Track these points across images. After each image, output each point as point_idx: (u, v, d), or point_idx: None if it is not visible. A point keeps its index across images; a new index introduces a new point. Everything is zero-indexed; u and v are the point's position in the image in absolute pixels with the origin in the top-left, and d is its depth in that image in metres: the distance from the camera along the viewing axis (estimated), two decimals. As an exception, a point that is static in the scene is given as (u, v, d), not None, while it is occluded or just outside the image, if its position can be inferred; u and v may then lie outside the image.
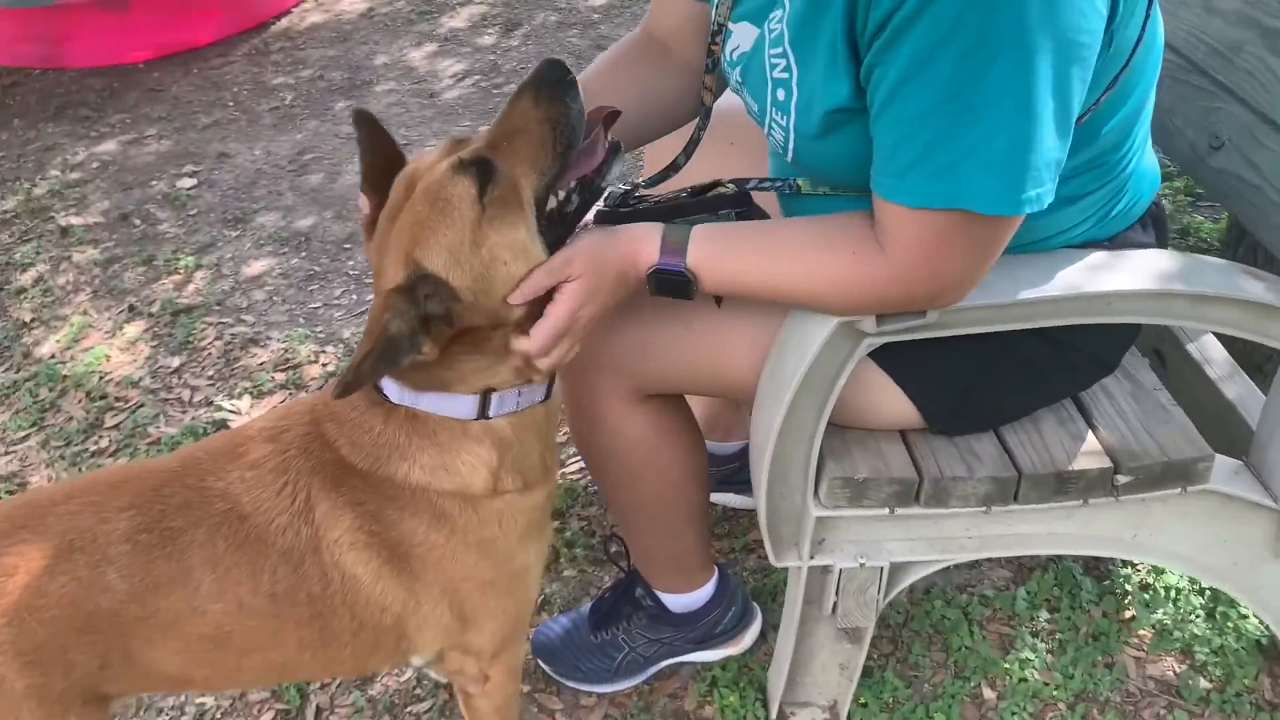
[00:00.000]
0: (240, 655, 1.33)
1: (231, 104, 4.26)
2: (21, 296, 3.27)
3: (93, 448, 2.66)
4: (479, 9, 4.77)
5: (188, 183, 3.77)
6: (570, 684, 1.87)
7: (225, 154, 3.92)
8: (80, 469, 2.58)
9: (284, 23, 4.86)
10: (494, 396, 1.30)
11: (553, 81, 1.22)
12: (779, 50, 1.24)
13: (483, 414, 1.30)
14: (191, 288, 3.23)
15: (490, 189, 1.19)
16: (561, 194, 1.25)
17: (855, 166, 1.20)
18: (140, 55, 4.62)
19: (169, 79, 4.51)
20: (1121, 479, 1.44)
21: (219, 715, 1.95)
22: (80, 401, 2.82)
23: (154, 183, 3.80)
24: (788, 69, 1.23)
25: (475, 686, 1.51)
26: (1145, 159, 1.37)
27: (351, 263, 3.26)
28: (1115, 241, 1.36)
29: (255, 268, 3.28)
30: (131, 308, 3.16)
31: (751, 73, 1.32)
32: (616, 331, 1.45)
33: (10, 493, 2.55)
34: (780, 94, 1.26)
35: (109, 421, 2.75)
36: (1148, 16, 1.19)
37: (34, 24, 4.48)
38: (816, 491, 1.46)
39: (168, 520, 1.28)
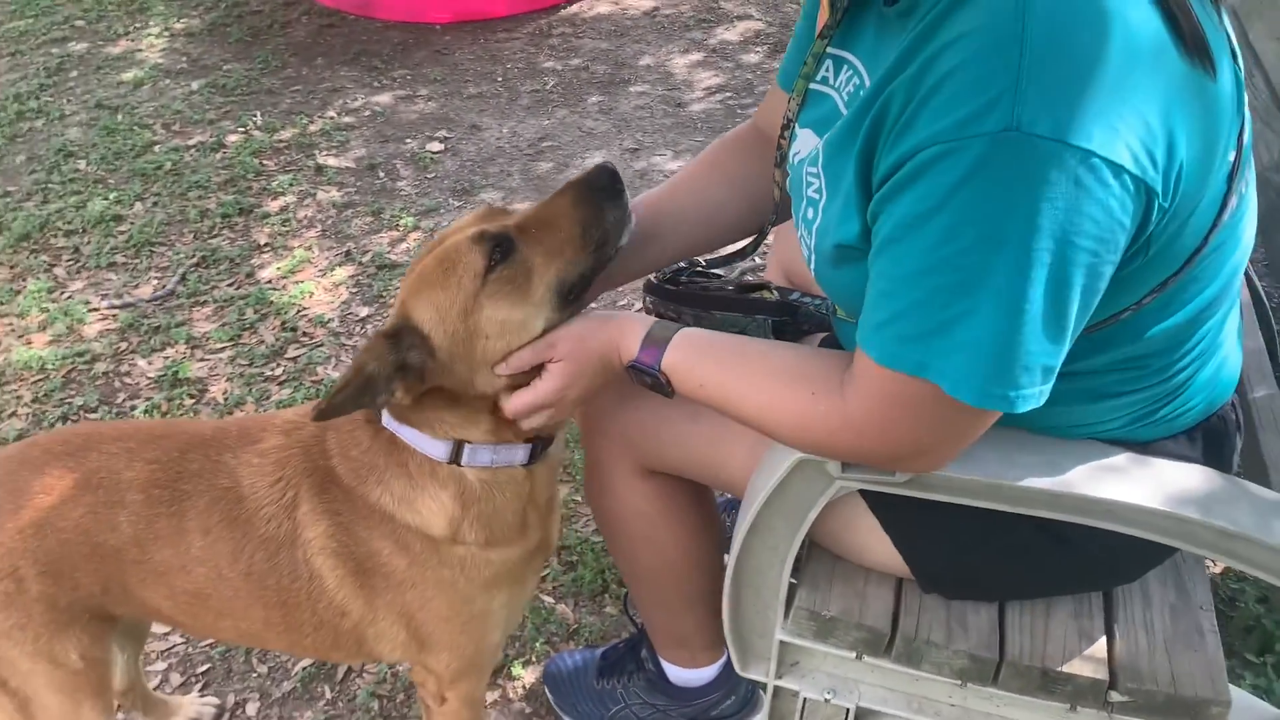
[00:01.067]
0: (216, 616, 1.47)
1: (500, 79, 4.52)
2: (265, 220, 3.65)
3: (268, 373, 2.95)
4: (755, 25, 4.79)
5: (436, 147, 4.05)
6: (565, 718, 1.91)
7: (477, 126, 4.18)
8: (251, 389, 2.87)
9: (574, 8, 5.08)
10: (466, 448, 1.35)
11: (597, 188, 1.28)
12: (815, 170, 1.21)
13: (454, 460, 1.35)
14: (403, 246, 3.48)
15: (501, 268, 1.25)
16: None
17: (861, 302, 1.16)
18: (440, 17, 4.97)
19: (455, 44, 4.83)
20: (1116, 696, 1.31)
21: (262, 651, 2.15)
22: (274, 329, 3.12)
23: (408, 140, 4.10)
24: (819, 190, 1.20)
25: (434, 703, 1.58)
26: (1211, 368, 1.23)
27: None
28: (1150, 449, 1.23)
29: (462, 239, 3.49)
30: (348, 253, 3.45)
31: (794, 183, 1.29)
32: (631, 405, 1.47)
33: (192, 397, 2.88)
34: (809, 213, 1.23)
35: (290, 353, 3.03)
36: (1215, 225, 1.06)
37: (356, -25, 4.93)
38: (787, 615, 1.42)
39: (181, 482, 1.43)
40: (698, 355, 1.23)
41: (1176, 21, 0.97)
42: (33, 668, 1.42)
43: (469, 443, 1.35)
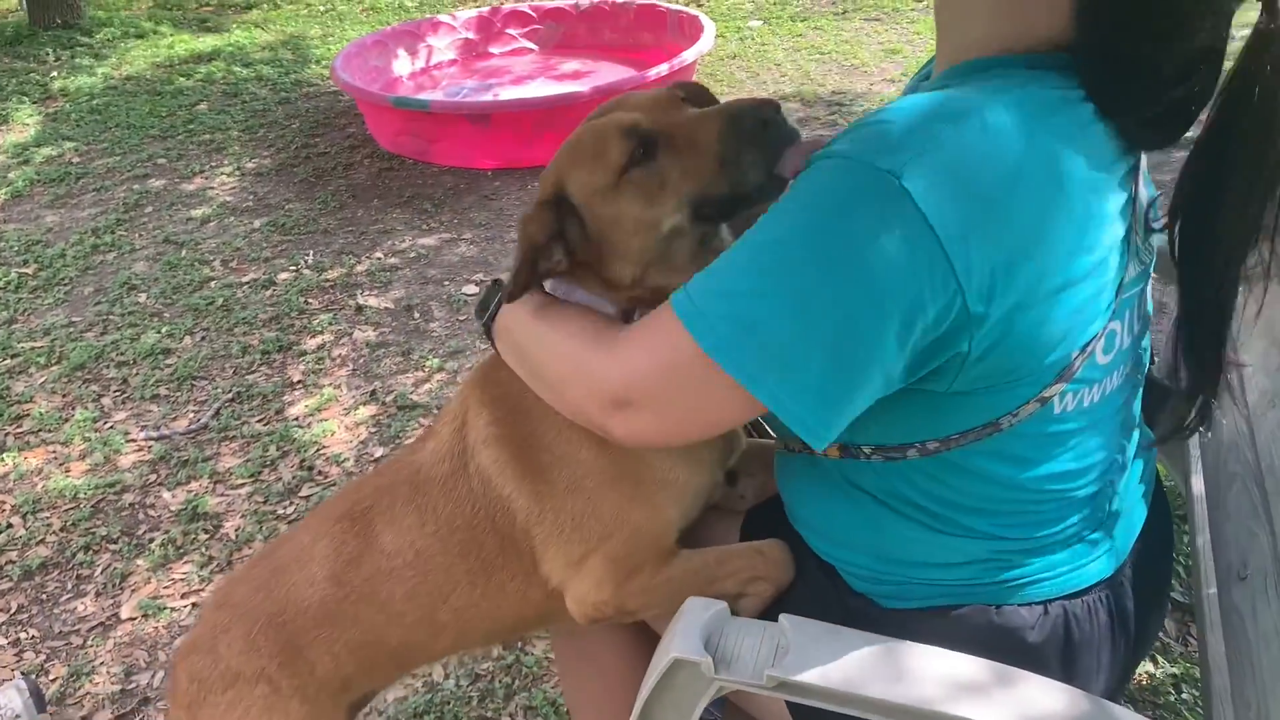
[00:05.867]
0: (433, 610, 1.48)
1: (539, 224, 4.72)
2: (302, 358, 3.83)
3: (280, 511, 3.07)
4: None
5: (471, 289, 4.23)
6: None
7: (512, 270, 4.35)
8: (262, 527, 2.99)
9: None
10: (638, 310, 1.34)
11: (742, 129, 1.24)
12: None
13: (627, 319, 1.34)
14: (426, 387, 3.62)
15: (636, 169, 1.26)
16: None
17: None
18: (490, 164, 5.23)
19: (504, 190, 5.07)
20: None
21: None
22: (293, 466, 3.26)
23: (446, 283, 4.29)
24: None
25: (595, 612, 1.42)
26: (1080, 547, 1.27)
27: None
28: (1004, 615, 1.26)
29: (483, 382, 3.62)
30: (373, 393, 3.60)
31: None
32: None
33: (206, 532, 3.01)
34: None
35: (304, 491, 3.15)
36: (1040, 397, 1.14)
37: (414, 122, 5.23)
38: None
39: (367, 516, 1.51)
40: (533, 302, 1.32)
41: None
42: None
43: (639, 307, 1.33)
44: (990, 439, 1.17)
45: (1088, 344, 1.13)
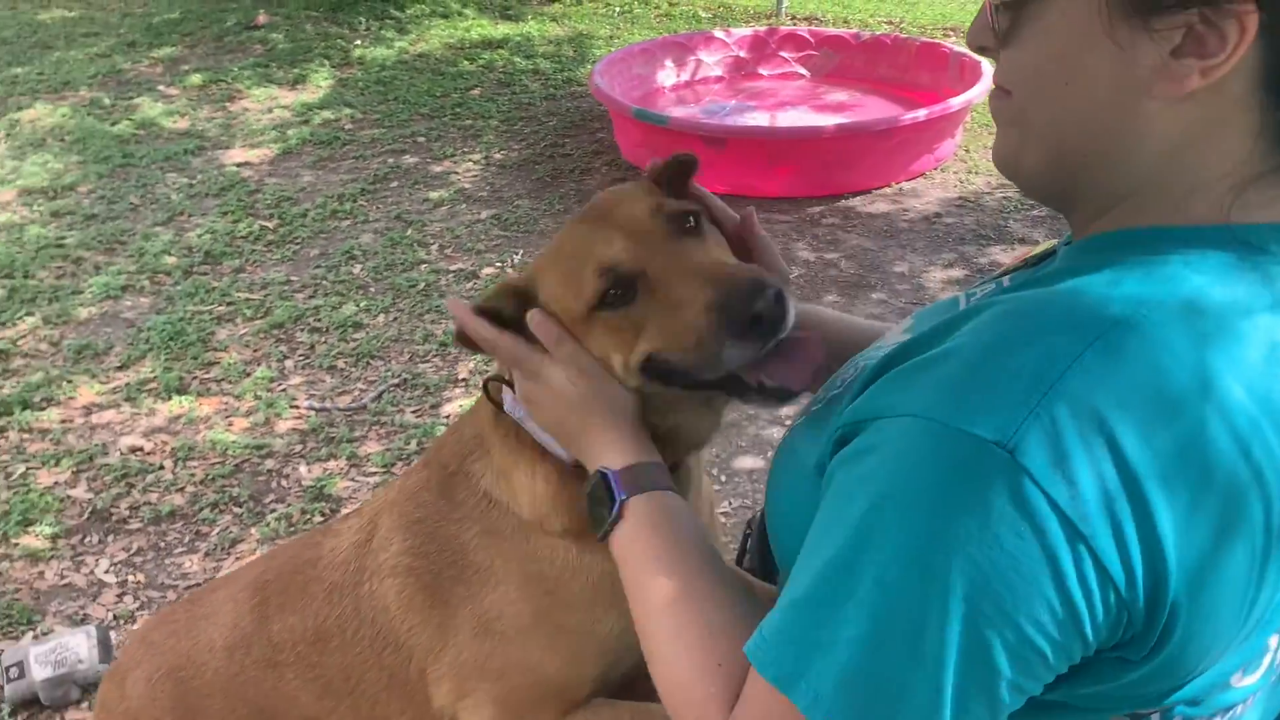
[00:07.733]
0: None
1: (750, 259, 4.51)
2: (474, 357, 3.82)
3: (396, 509, 3.05)
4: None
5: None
6: None
7: (706, 302, 4.18)
8: (374, 522, 2.98)
9: (853, 200, 5.00)
10: None
11: (733, 312, 1.03)
12: (863, 363, 1.01)
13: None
14: (579, 410, 3.51)
15: (610, 312, 1.11)
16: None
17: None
18: (720, 189, 5.04)
19: (726, 217, 4.89)
20: None
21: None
22: (425, 465, 3.24)
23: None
24: (844, 384, 1.01)
25: None
26: None
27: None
28: None
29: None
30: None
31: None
32: None
33: (323, 515, 3.04)
34: (822, 392, 1.05)
35: (425, 493, 3.12)
36: None
37: (652, 136, 5.15)
38: None
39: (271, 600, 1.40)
40: (662, 521, 1.03)
41: None
42: None
43: None
44: None
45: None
